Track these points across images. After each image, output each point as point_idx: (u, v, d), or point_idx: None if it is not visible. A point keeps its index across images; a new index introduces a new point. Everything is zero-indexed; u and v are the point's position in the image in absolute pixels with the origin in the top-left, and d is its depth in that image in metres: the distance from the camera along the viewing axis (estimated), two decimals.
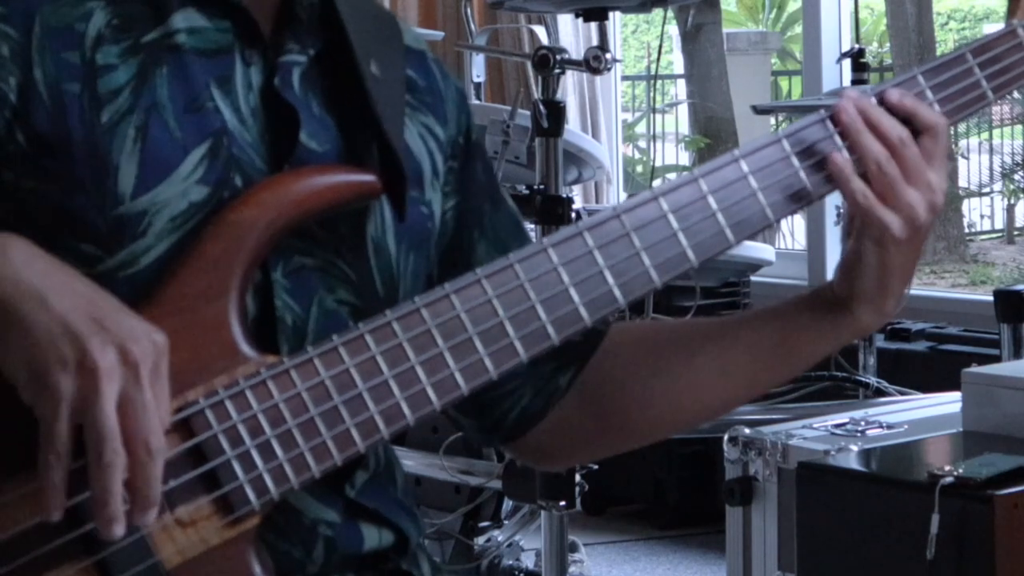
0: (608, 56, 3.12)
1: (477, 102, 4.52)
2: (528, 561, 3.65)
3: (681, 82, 10.39)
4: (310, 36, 1.38)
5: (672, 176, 9.62)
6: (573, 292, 1.31)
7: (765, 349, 1.43)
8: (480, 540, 3.75)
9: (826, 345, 1.42)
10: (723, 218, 1.34)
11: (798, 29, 10.43)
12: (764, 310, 1.45)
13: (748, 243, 4.14)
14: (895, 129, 1.35)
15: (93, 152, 1.26)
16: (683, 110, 10.44)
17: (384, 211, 1.38)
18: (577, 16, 3.42)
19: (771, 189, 1.35)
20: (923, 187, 1.35)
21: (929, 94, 1.39)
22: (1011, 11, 1.43)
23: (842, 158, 1.34)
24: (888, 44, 10.34)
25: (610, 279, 1.32)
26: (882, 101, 1.36)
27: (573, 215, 3.15)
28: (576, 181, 4.31)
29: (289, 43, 1.36)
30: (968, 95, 1.40)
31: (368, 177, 1.33)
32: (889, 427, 2.72)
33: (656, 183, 7.68)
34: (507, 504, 3.73)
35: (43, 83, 1.26)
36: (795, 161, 1.36)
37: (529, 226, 3.35)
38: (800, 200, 1.36)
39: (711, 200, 1.34)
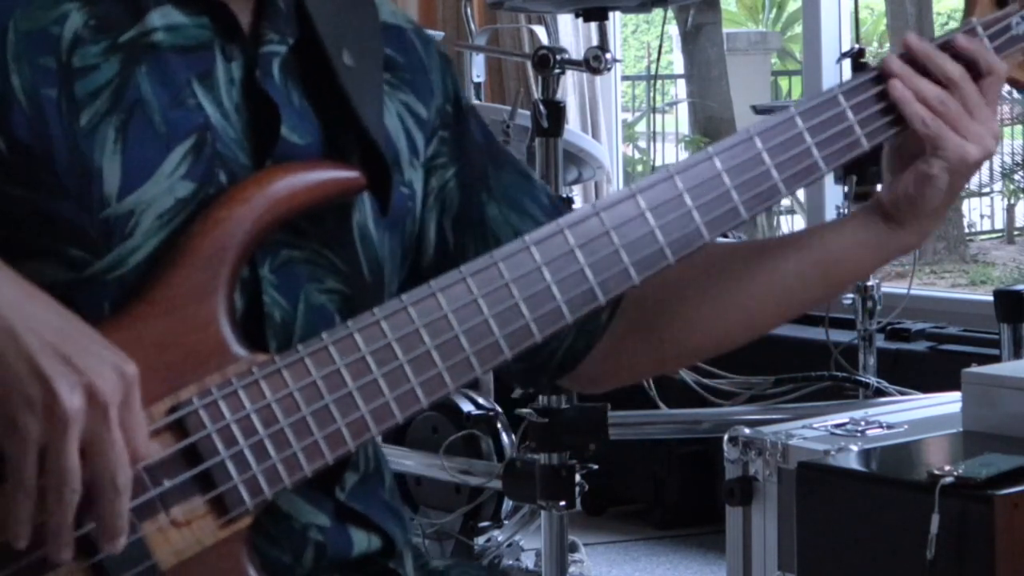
0: (608, 56, 3.12)
1: (477, 102, 4.52)
2: (528, 561, 3.65)
3: (681, 82, 10.40)
4: (288, 25, 1.37)
5: None
6: (555, 290, 1.33)
7: (810, 271, 1.47)
8: (480, 540, 3.75)
9: (869, 264, 1.48)
10: (698, 215, 1.37)
11: (798, 29, 10.42)
12: (806, 232, 1.50)
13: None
14: (952, 68, 1.41)
15: (75, 156, 1.25)
16: (683, 110, 10.45)
17: (367, 197, 1.38)
18: (577, 16, 3.42)
19: (743, 187, 1.38)
20: (983, 118, 1.42)
21: None
22: (968, 9, 1.46)
23: (899, 83, 1.40)
24: (888, 44, 10.34)
25: (590, 277, 1.34)
26: (949, 46, 1.43)
27: None
28: (576, 181, 4.31)
29: (269, 33, 1.35)
30: None
31: (352, 173, 1.34)
32: (889, 427, 2.71)
33: None
34: (507, 504, 3.73)
35: (20, 90, 1.25)
36: (766, 159, 1.39)
37: None
38: (770, 198, 1.40)
39: (687, 197, 1.36)
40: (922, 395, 3.23)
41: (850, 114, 1.41)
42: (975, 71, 1.42)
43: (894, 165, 1.45)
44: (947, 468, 2.25)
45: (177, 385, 1.25)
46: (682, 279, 1.48)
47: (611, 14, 3.37)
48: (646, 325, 1.51)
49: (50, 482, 1.14)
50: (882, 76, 1.42)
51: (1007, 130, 8.98)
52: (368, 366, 1.28)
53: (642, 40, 13.01)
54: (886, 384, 3.60)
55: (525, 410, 3.20)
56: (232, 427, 1.25)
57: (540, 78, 3.20)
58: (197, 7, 1.32)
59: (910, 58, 1.42)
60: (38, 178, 1.25)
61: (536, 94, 3.30)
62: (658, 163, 9.56)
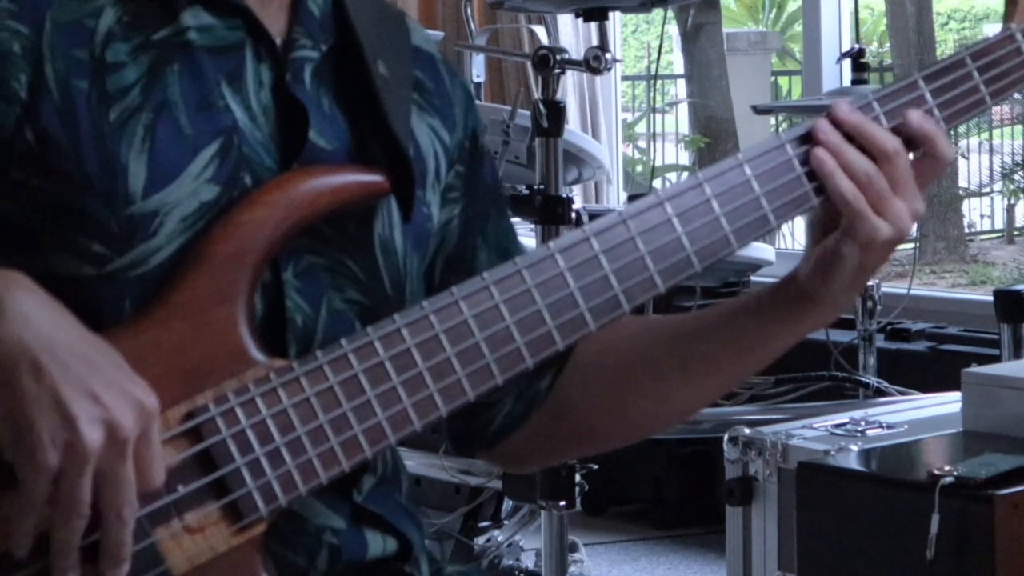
0: (608, 56, 3.12)
1: (477, 102, 4.52)
2: (528, 561, 3.65)
3: (681, 82, 10.39)
4: (323, 32, 1.37)
5: (672, 176, 9.62)
6: (578, 296, 1.31)
7: (728, 352, 1.43)
8: (480, 540, 3.75)
9: (786, 341, 1.42)
10: (726, 223, 1.34)
11: (798, 29, 10.42)
12: (723, 311, 1.45)
13: (752, 244, 4.14)
14: (888, 141, 1.34)
15: (101, 150, 1.25)
16: (683, 110, 10.44)
17: (392, 210, 1.38)
18: (577, 16, 3.42)
19: (774, 193, 1.35)
20: (908, 197, 1.35)
21: (929, 98, 1.39)
22: (1008, 15, 1.42)
23: (825, 153, 1.34)
24: (888, 44, 10.34)
25: (615, 284, 1.32)
26: (898, 118, 1.36)
27: (573, 215, 3.15)
28: (576, 181, 4.31)
29: (301, 39, 1.36)
30: (967, 100, 1.40)
31: (376, 177, 1.33)
32: (889, 427, 2.72)
33: (656, 183, 7.68)
34: (507, 504, 3.73)
35: (53, 80, 1.26)
36: (797, 166, 1.36)
37: (529, 227, 3.36)
38: (802, 204, 1.36)
39: (715, 204, 1.34)
40: (922, 395, 3.23)
41: (884, 119, 1.37)
42: (912, 144, 1.35)
43: (814, 238, 1.38)
44: (947, 468, 2.25)
45: (194, 390, 1.24)
46: (600, 368, 1.46)
47: (611, 14, 3.37)
48: (567, 409, 1.48)
49: (60, 507, 1.14)
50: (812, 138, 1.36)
51: (1007, 130, 8.99)
52: (387, 373, 1.27)
53: (642, 40, 13.00)
54: (886, 384, 3.60)
55: None
56: (248, 433, 1.24)
57: (540, 78, 3.20)
58: (227, 11, 1.32)
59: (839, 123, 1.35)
60: (64, 170, 1.25)
61: (536, 94, 3.30)
62: (658, 163, 9.56)
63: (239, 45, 1.32)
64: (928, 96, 1.39)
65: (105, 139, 1.26)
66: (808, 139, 1.36)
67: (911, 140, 1.36)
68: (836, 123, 1.35)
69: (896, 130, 1.36)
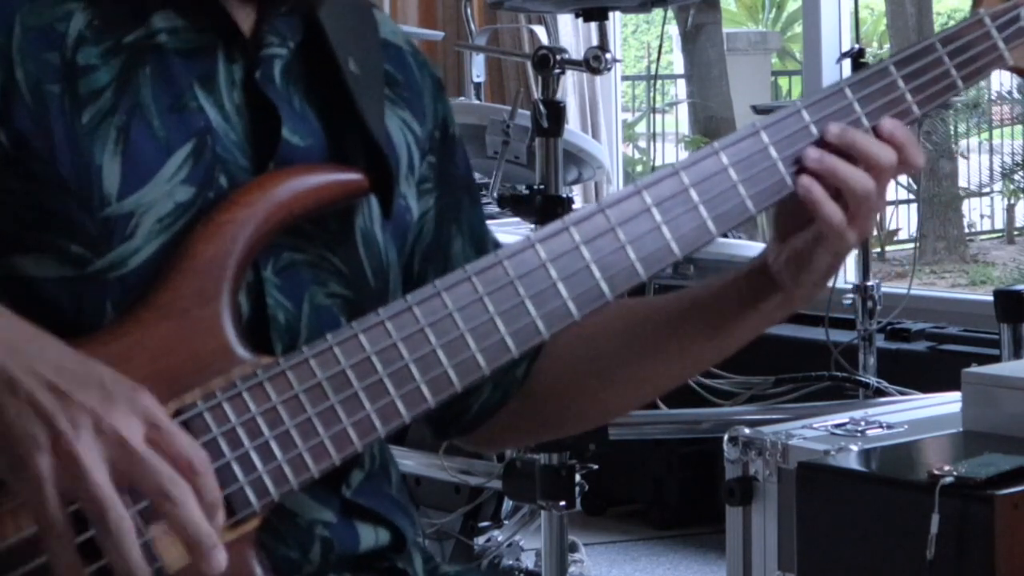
0: (608, 56, 3.12)
1: (477, 102, 4.53)
2: (528, 561, 3.65)
3: (681, 82, 10.40)
4: (290, 29, 1.37)
5: None
6: (561, 287, 1.32)
7: (701, 340, 1.46)
8: (480, 540, 3.75)
9: (757, 329, 1.45)
10: (705, 210, 1.35)
11: (798, 29, 10.43)
12: (695, 295, 1.47)
13: (746, 243, 4.14)
14: (888, 156, 1.36)
15: (75, 153, 1.26)
16: (683, 110, 10.45)
17: (372, 203, 1.38)
18: (577, 16, 3.42)
19: (751, 181, 1.36)
20: (882, 206, 1.38)
21: (901, 83, 1.40)
22: (976, 0, 1.44)
23: (810, 181, 1.34)
24: (888, 44, 10.34)
25: (597, 274, 1.33)
26: (876, 131, 1.37)
27: None
28: (576, 181, 4.31)
29: (269, 36, 1.36)
30: (939, 84, 1.41)
31: (356, 176, 1.34)
32: (889, 427, 2.71)
33: None
34: (507, 504, 3.73)
35: (25, 83, 1.26)
36: (773, 153, 1.37)
37: (529, 227, 3.36)
38: (779, 192, 1.37)
39: (693, 193, 1.35)
40: (922, 395, 3.23)
41: (857, 106, 1.39)
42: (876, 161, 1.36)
43: (781, 230, 1.39)
44: (947, 468, 2.25)
45: (181, 389, 1.24)
46: (573, 358, 1.48)
47: (611, 14, 3.37)
48: (538, 396, 1.50)
49: (91, 517, 1.12)
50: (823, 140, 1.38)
51: (1007, 130, 8.98)
52: (373, 366, 1.27)
53: (642, 40, 13.00)
54: (886, 384, 3.60)
55: None
56: (237, 429, 1.25)
57: (540, 78, 3.20)
58: (198, 11, 1.32)
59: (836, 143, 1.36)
60: (39, 173, 1.25)
61: (536, 94, 3.30)
62: (658, 163, 9.56)
63: (211, 46, 1.32)
64: (900, 82, 1.40)
65: (79, 142, 1.26)
66: (780, 128, 1.37)
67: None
68: (828, 144, 1.35)
69: (874, 130, 1.37)
